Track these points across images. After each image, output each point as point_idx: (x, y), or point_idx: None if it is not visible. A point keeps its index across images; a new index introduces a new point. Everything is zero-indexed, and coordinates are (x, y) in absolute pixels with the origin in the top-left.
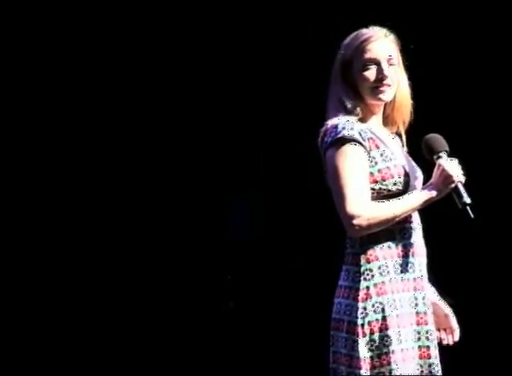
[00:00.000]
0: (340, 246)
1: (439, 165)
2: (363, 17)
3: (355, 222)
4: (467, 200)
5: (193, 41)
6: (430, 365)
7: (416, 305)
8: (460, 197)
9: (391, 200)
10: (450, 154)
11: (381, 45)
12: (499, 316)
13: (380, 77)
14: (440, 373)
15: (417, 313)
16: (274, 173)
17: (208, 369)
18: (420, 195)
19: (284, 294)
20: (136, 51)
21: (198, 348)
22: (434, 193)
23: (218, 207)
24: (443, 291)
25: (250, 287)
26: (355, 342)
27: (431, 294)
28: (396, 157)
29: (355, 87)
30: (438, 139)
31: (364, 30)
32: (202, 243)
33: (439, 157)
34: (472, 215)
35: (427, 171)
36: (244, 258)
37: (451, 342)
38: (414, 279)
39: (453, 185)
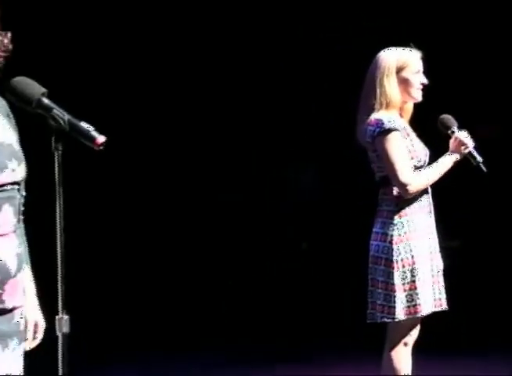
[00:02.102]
0: (371, 204)
1: (455, 137)
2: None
3: (408, 188)
4: (480, 158)
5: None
6: (439, 288)
7: (429, 246)
8: (474, 157)
9: (426, 169)
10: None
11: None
12: (501, 257)
13: (423, 82)
14: (444, 294)
15: (430, 253)
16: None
17: (284, 299)
18: (445, 161)
19: (340, 235)
20: (137, 52)
21: (279, 281)
22: (454, 158)
23: (294, 173)
24: (451, 234)
25: (317, 231)
26: (391, 273)
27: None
28: (416, 142)
29: (405, 87)
30: (450, 118)
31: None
32: (281, 200)
33: (453, 131)
34: (485, 170)
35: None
36: (312, 211)
37: None
38: (429, 228)
39: (468, 149)
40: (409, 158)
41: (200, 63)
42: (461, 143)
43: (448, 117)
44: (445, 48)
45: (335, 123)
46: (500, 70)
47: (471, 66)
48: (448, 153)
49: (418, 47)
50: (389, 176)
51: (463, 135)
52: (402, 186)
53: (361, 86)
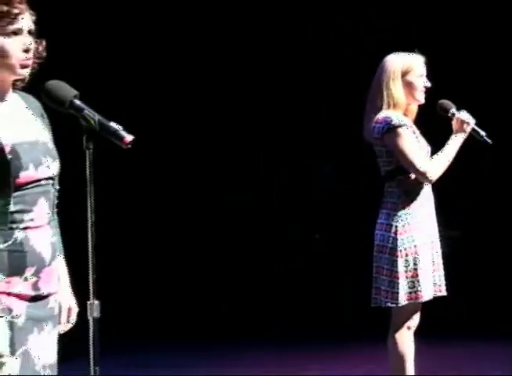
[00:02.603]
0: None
1: (457, 118)
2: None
3: (428, 175)
4: (483, 133)
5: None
6: (439, 275)
7: (430, 236)
8: (477, 132)
9: (438, 154)
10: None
11: None
12: (501, 247)
13: (426, 86)
14: (444, 280)
15: (432, 242)
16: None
17: (297, 284)
18: (453, 143)
19: (348, 228)
20: (153, 57)
21: (294, 269)
22: (460, 137)
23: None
24: (452, 224)
25: (331, 223)
26: (395, 261)
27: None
28: (421, 140)
29: (410, 89)
30: (448, 102)
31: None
32: (299, 195)
33: (453, 113)
34: (490, 142)
35: None
36: (327, 206)
37: None
38: (430, 219)
39: (470, 127)
40: (420, 148)
41: (210, 64)
42: (463, 122)
43: (446, 102)
44: (452, 48)
45: (345, 123)
46: (501, 70)
47: (479, 65)
48: (453, 135)
49: (426, 48)
50: (407, 168)
51: (464, 115)
52: (423, 175)
53: (369, 87)
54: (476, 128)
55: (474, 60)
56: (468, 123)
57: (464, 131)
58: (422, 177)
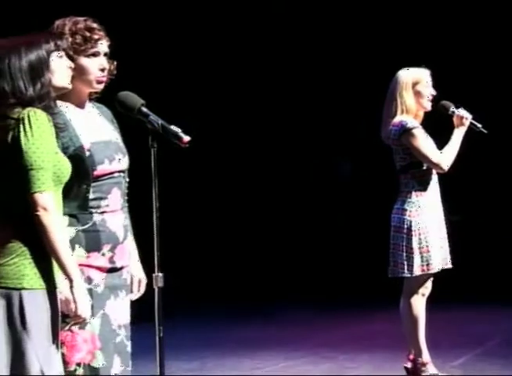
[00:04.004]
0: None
1: (456, 115)
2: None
3: (442, 165)
4: (479, 125)
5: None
6: (446, 251)
7: (438, 218)
8: (475, 125)
9: (446, 147)
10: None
11: None
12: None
13: (432, 94)
14: (449, 255)
15: (439, 223)
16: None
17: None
18: (456, 136)
19: (368, 210)
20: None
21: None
22: (462, 130)
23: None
24: (452, 209)
25: (351, 205)
26: (410, 239)
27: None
28: (429, 139)
29: (419, 98)
30: (447, 102)
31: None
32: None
33: (453, 111)
34: (486, 131)
35: None
36: (347, 189)
37: None
38: (437, 204)
39: (468, 121)
40: (433, 144)
41: (266, 64)
42: (462, 118)
43: (446, 102)
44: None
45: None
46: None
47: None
48: (455, 129)
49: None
50: (422, 161)
51: (462, 111)
52: (437, 166)
53: (384, 98)
54: (473, 121)
55: (471, 65)
56: (466, 118)
57: (464, 124)
58: (437, 167)
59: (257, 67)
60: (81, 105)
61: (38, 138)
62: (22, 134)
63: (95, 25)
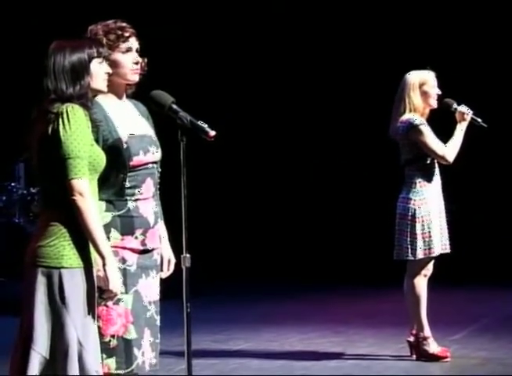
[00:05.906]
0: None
1: (458, 111)
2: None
3: (447, 158)
4: (479, 119)
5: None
6: (445, 237)
7: (439, 206)
8: (475, 120)
9: (451, 140)
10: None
11: None
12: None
13: (437, 93)
14: (448, 240)
15: (439, 212)
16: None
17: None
18: (459, 130)
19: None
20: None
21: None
22: (463, 125)
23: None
24: (448, 198)
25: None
26: (413, 226)
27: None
28: (434, 135)
29: (425, 97)
30: (450, 100)
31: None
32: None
33: (455, 108)
34: (486, 125)
35: None
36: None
37: None
38: (438, 194)
39: (470, 117)
40: (437, 140)
41: (265, 64)
42: (464, 113)
43: (449, 100)
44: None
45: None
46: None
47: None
48: (458, 124)
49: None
50: (429, 155)
51: (463, 108)
52: (443, 158)
53: (393, 98)
54: (474, 116)
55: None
56: (467, 113)
57: (465, 120)
58: (443, 160)
59: (256, 67)
60: (119, 97)
61: (75, 130)
62: (61, 127)
63: (124, 24)
